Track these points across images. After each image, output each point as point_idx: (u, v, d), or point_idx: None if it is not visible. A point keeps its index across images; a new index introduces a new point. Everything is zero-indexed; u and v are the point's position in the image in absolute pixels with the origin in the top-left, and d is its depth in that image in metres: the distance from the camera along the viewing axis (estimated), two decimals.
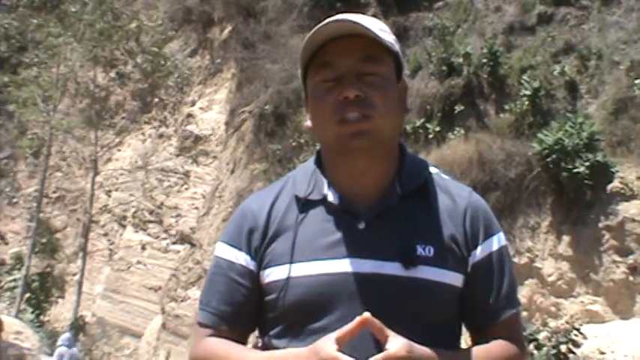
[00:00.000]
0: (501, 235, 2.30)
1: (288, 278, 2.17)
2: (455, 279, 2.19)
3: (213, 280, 2.31)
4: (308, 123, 2.29)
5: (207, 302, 2.29)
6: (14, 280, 26.66)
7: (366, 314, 2.01)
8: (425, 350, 2.06)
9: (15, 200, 31.97)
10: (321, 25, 2.19)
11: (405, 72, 2.38)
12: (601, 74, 17.81)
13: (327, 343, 2.01)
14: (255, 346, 2.29)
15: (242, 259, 2.26)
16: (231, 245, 2.29)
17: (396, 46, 2.27)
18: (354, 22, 2.17)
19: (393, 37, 2.28)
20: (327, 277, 2.15)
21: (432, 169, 2.34)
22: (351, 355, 1.98)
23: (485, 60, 19.18)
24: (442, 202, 2.26)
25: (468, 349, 2.21)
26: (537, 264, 16.44)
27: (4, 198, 31.10)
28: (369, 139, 2.17)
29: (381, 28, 2.23)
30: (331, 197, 2.24)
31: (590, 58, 18.13)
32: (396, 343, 2.00)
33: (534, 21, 19.73)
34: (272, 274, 2.21)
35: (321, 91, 2.21)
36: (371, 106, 2.17)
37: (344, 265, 2.15)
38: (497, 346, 2.22)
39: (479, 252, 2.24)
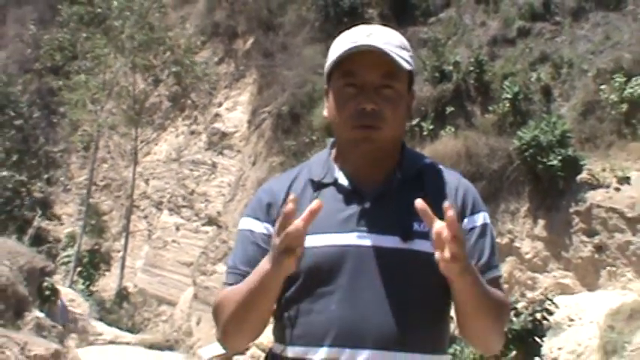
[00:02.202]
0: (486, 214, 2.29)
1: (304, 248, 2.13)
2: None
3: (238, 247, 2.30)
4: (325, 113, 2.29)
5: (233, 266, 2.27)
6: (68, 255, 26.62)
7: (419, 201, 2.00)
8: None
9: (68, 187, 31.89)
10: (351, 39, 2.19)
11: (414, 84, 2.35)
12: (572, 80, 17.80)
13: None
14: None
15: (263, 227, 2.25)
16: (254, 217, 2.29)
17: (412, 63, 2.25)
18: (380, 48, 2.15)
19: (410, 52, 2.28)
20: (337, 247, 2.16)
21: (428, 160, 2.35)
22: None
23: (472, 68, 19.16)
24: (436, 186, 2.27)
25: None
26: (516, 244, 16.46)
27: (59, 186, 31.09)
28: (374, 144, 2.19)
29: (402, 46, 2.24)
30: (342, 180, 2.24)
31: (562, 67, 18.11)
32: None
33: (514, 34, 19.69)
34: None
35: (344, 96, 2.21)
36: (382, 118, 2.18)
37: (351, 238, 2.16)
38: (494, 290, 2.20)
39: (465, 222, 2.23)
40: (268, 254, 2.06)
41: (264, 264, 2.08)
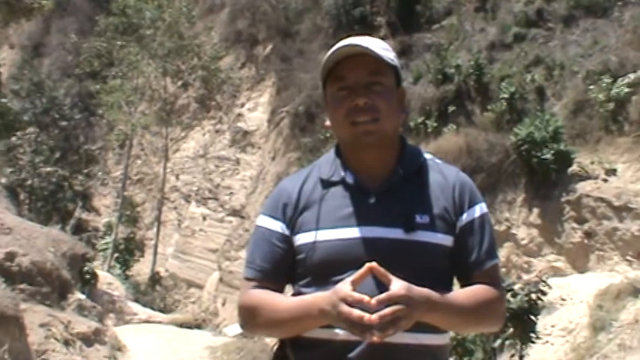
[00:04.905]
0: (483, 205, 2.27)
1: (314, 242, 2.17)
2: (446, 240, 2.18)
3: (256, 243, 2.28)
4: (327, 123, 2.28)
5: (252, 261, 2.27)
6: (106, 243, 26.67)
7: (373, 263, 1.99)
8: (421, 290, 2.01)
9: (106, 181, 31.98)
10: (337, 46, 2.18)
11: (403, 81, 2.33)
12: (563, 81, 17.76)
13: (344, 285, 1.99)
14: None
15: (279, 226, 2.24)
16: (271, 216, 2.27)
17: (395, 61, 2.24)
18: (362, 46, 2.16)
19: (393, 53, 2.26)
20: (345, 241, 2.15)
21: (427, 155, 2.32)
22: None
23: (472, 70, 19.16)
24: (435, 180, 2.24)
25: (457, 290, 2.19)
26: (513, 230, 16.46)
27: (97, 180, 31.20)
28: (375, 137, 2.17)
29: (383, 47, 2.22)
30: (348, 178, 2.22)
31: (554, 69, 18.07)
32: (396, 284, 1.98)
33: (511, 39, 19.66)
34: (302, 239, 2.20)
35: (337, 99, 2.20)
36: (377, 110, 2.16)
37: (358, 232, 2.15)
38: (481, 288, 2.18)
39: (465, 217, 2.21)
40: (322, 300, 2.05)
41: (314, 309, 2.08)
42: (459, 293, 2.18)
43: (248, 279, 2.28)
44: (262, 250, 2.26)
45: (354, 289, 1.98)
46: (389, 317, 1.94)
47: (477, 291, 2.19)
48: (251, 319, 2.25)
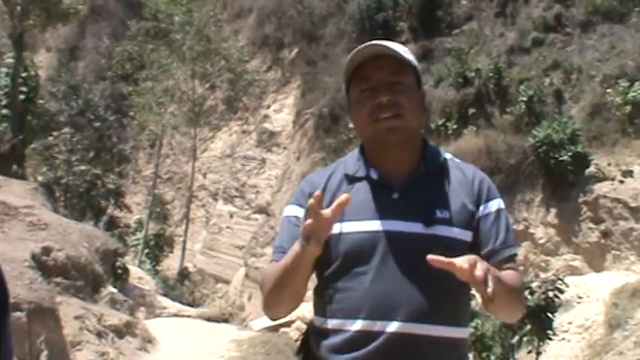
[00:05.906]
0: (500, 201, 2.28)
1: (340, 233, 2.17)
2: (465, 235, 2.19)
3: (284, 230, 2.30)
4: (351, 125, 2.31)
5: (280, 246, 2.28)
6: (137, 239, 26.85)
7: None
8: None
9: (137, 180, 32.11)
10: (359, 48, 2.21)
11: (423, 82, 2.35)
12: (581, 85, 17.66)
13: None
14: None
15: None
16: (298, 205, 2.28)
17: (415, 63, 2.27)
18: (384, 46, 2.20)
19: (413, 56, 2.28)
20: (369, 233, 2.17)
21: (447, 155, 2.34)
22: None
23: (491, 74, 19.09)
24: (455, 178, 2.26)
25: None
26: (531, 230, 16.39)
27: (129, 178, 31.37)
28: (399, 134, 2.19)
29: (404, 51, 2.24)
30: (372, 174, 2.25)
31: (572, 73, 17.97)
32: (465, 257, 1.96)
33: (530, 44, 19.57)
34: None
35: (360, 99, 2.22)
36: (400, 106, 2.18)
37: (381, 225, 2.17)
38: (510, 273, 2.19)
39: (482, 209, 2.23)
40: (299, 238, 2.08)
41: (296, 246, 2.11)
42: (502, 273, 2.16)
43: (274, 262, 2.28)
44: (290, 234, 2.27)
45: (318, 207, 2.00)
46: (488, 279, 1.93)
47: (509, 273, 2.20)
48: (262, 291, 2.28)
